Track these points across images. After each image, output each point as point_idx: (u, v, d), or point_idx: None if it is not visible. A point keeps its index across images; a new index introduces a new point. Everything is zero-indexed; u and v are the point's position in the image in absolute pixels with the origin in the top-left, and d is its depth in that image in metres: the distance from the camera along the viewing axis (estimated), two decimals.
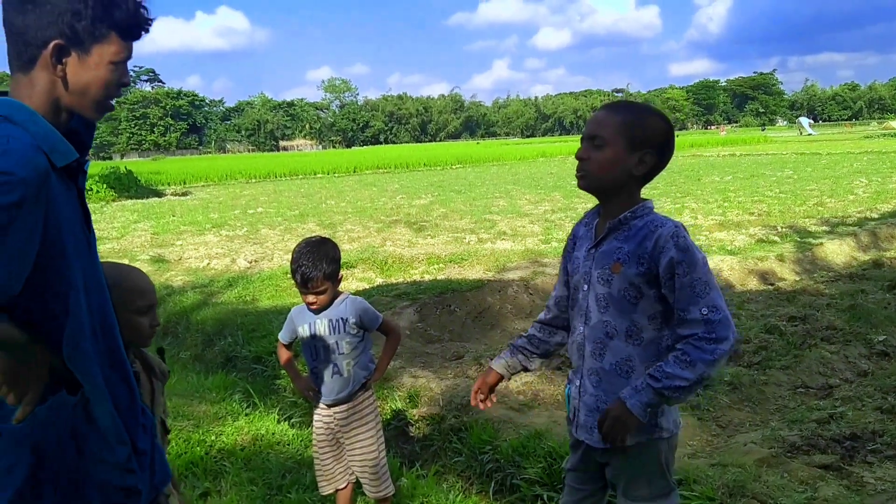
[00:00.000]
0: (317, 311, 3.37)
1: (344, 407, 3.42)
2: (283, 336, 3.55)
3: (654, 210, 2.32)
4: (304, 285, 3.26)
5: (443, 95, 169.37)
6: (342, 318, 3.37)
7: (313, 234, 3.53)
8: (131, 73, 1.84)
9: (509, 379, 2.73)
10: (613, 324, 2.27)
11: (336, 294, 3.40)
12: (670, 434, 2.32)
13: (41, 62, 1.64)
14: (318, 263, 3.24)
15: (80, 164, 1.72)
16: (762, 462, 3.72)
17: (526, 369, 2.68)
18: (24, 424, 1.65)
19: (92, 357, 1.70)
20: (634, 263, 2.20)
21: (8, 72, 1.70)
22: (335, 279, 3.33)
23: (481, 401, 2.64)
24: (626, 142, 2.22)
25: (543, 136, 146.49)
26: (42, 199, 1.54)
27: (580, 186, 2.35)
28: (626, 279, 2.22)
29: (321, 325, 3.37)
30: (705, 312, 2.08)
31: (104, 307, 1.79)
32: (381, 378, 3.71)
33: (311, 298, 3.32)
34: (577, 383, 2.40)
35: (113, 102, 1.78)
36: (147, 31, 1.77)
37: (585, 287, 2.35)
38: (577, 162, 2.32)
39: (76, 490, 1.72)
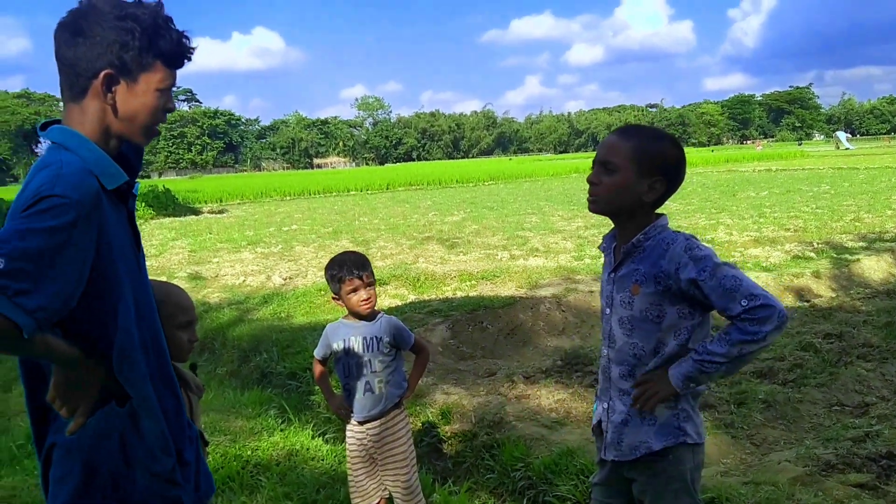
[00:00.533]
0: (369, 316, 3.42)
1: (376, 424, 3.47)
2: (317, 352, 3.60)
3: (669, 226, 2.33)
4: (360, 277, 3.32)
5: (475, 112, 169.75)
6: (377, 337, 3.42)
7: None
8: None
9: None
10: (641, 345, 2.29)
11: (374, 312, 3.47)
12: (694, 441, 2.33)
13: (92, 91, 1.73)
14: (364, 259, 3.39)
15: (129, 187, 1.81)
16: (796, 480, 3.70)
17: None
18: (76, 436, 1.73)
19: (142, 371, 1.77)
20: (652, 283, 2.23)
21: (49, 93, 1.79)
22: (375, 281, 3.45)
23: None
24: (637, 168, 2.24)
25: (577, 151, 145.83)
26: (94, 219, 1.63)
27: (591, 210, 2.38)
28: (647, 299, 2.25)
29: (355, 342, 3.42)
30: (745, 304, 2.10)
31: (154, 323, 1.87)
32: (411, 396, 3.75)
33: (363, 295, 3.35)
34: (606, 405, 2.43)
35: (158, 128, 1.87)
36: (189, 59, 1.85)
37: (608, 311, 2.40)
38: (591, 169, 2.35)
39: (124, 500, 1.79)
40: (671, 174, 2.29)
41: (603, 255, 2.52)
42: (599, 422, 2.48)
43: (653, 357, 2.29)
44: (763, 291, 2.13)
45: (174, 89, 1.87)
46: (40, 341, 1.55)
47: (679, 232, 2.29)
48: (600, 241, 2.54)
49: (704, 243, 2.28)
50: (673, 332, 2.26)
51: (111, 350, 1.71)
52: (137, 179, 1.93)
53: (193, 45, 1.84)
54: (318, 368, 3.66)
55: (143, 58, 1.74)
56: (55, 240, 1.53)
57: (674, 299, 2.23)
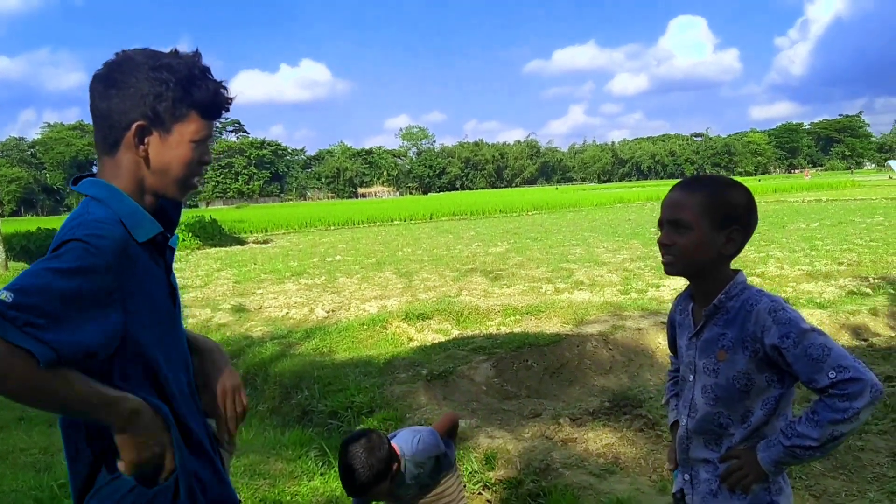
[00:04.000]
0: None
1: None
2: None
3: (747, 281, 2.19)
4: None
5: (519, 141, 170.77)
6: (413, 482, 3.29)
7: (359, 431, 3.23)
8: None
9: None
10: (727, 413, 2.14)
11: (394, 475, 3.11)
12: None
13: (125, 144, 1.68)
14: (365, 470, 2.95)
15: (164, 239, 1.74)
16: None
17: None
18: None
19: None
20: (740, 349, 2.08)
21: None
22: (389, 474, 3.03)
23: None
24: (710, 223, 2.10)
25: (620, 181, 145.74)
26: (116, 269, 1.56)
27: (668, 272, 2.22)
28: (734, 367, 2.10)
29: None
30: (833, 376, 1.94)
31: (185, 385, 1.79)
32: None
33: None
34: (688, 476, 2.28)
35: (196, 181, 1.80)
36: (227, 110, 1.79)
37: (691, 378, 2.24)
38: (658, 230, 2.22)
39: None
40: (745, 221, 2.14)
41: (678, 315, 2.36)
42: (681, 490, 2.33)
43: (739, 426, 2.14)
44: (854, 362, 1.96)
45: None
46: (65, 381, 1.44)
47: (762, 291, 2.14)
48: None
49: (790, 306, 2.11)
50: (760, 401, 2.11)
51: None
52: (180, 222, 1.87)
53: (231, 95, 1.78)
54: None
55: (177, 108, 1.69)
56: (72, 283, 1.47)
57: (761, 366, 2.07)
